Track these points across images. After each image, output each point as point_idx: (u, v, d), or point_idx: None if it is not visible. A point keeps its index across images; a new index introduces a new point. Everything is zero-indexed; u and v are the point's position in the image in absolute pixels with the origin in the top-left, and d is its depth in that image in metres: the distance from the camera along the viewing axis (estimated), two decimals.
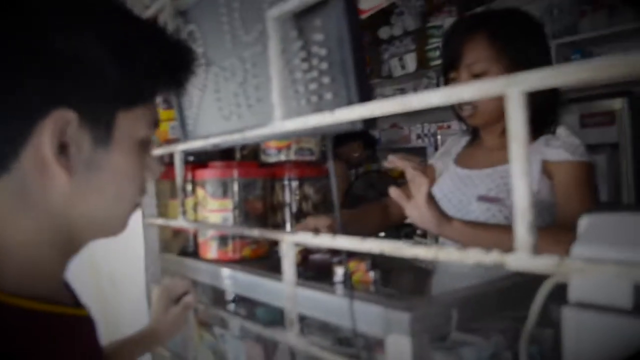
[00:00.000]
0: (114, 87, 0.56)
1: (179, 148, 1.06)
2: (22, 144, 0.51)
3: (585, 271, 0.41)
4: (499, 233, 1.10)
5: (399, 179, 4.49)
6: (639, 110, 1.99)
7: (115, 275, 1.48)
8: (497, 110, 1.33)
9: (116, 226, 0.63)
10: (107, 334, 0.74)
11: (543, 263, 0.44)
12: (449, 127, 3.78)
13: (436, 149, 3.30)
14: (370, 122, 0.64)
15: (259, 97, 0.87)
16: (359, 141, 3.46)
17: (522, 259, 0.45)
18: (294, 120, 0.72)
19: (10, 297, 0.52)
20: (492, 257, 0.47)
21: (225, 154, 1.43)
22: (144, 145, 0.63)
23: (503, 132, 1.40)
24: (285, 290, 0.77)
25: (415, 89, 4.39)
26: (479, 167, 1.44)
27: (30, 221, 0.55)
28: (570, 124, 2.07)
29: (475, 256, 0.49)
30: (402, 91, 4.49)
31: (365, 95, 0.63)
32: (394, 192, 1.15)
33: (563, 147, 1.29)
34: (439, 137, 3.45)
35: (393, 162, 1.15)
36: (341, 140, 3.47)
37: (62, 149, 0.53)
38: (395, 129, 4.60)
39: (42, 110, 0.51)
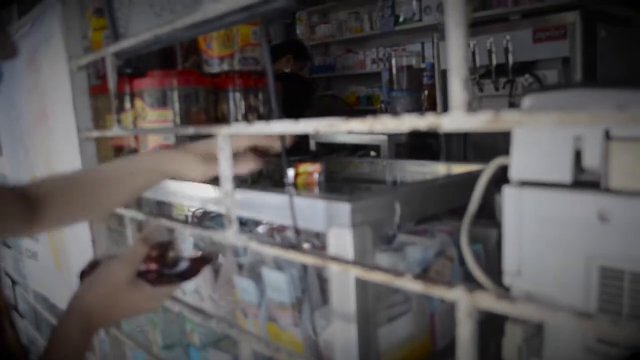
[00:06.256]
0: None
1: (109, 50, 0.99)
2: None
3: (522, 123, 0.39)
4: None
5: (355, 106, 4.46)
6: (590, 24, 1.98)
7: None
8: None
9: None
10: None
11: (478, 120, 0.41)
12: (403, 50, 3.73)
13: (390, 72, 3.25)
14: None
15: None
16: (287, 55, 3.26)
17: (457, 118, 0.42)
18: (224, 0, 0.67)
19: None
20: (427, 121, 0.45)
21: (165, 67, 1.35)
22: None
23: None
24: (221, 187, 0.73)
25: (370, 13, 4.28)
26: None
27: None
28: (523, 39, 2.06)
29: (410, 122, 0.46)
30: (357, 15, 4.37)
31: None
32: None
33: None
34: (393, 60, 3.38)
35: None
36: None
37: None
38: (350, 55, 4.52)
39: None
